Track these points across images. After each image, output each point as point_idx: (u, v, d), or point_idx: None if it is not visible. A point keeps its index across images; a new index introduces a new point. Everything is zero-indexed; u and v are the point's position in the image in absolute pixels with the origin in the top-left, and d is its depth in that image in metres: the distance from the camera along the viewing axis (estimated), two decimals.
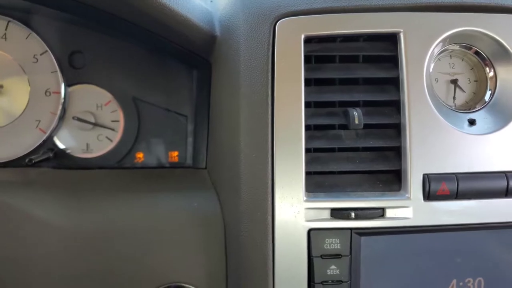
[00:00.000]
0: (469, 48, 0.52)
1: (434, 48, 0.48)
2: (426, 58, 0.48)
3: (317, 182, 0.48)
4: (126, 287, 0.49)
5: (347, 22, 0.48)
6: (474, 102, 0.52)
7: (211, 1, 0.59)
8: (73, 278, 0.48)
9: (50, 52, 0.57)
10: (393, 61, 0.49)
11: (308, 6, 0.48)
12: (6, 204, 0.48)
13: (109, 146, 0.60)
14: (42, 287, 0.48)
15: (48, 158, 0.56)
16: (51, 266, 0.48)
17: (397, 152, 0.48)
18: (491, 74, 0.52)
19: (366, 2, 0.48)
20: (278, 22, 0.47)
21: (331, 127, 0.49)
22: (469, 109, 0.51)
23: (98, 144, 0.60)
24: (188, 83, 0.61)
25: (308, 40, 0.48)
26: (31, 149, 0.57)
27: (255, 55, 0.48)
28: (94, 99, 0.59)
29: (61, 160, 0.59)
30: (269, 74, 0.47)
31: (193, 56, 0.55)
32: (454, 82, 0.52)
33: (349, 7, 0.48)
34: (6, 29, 0.57)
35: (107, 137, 0.60)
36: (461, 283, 0.49)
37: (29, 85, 0.58)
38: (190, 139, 0.62)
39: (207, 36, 0.51)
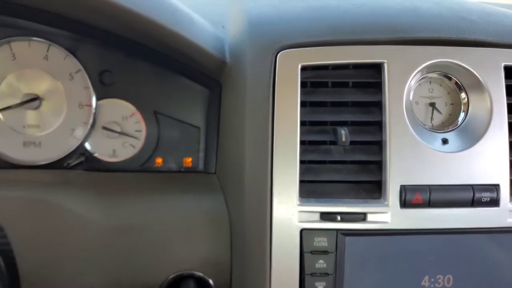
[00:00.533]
0: (447, 76, 0.57)
1: (413, 76, 0.54)
2: (406, 84, 0.53)
3: (310, 189, 0.53)
4: (147, 273, 0.55)
5: (338, 54, 0.53)
6: (449, 123, 0.57)
7: (223, 27, 0.66)
8: (104, 264, 0.54)
9: (83, 71, 0.63)
10: (378, 86, 0.54)
11: (305, 40, 0.53)
12: (48, 201, 0.54)
13: (133, 152, 0.66)
14: (78, 267, 0.54)
15: (81, 162, 0.63)
16: (85, 251, 0.54)
17: (378, 166, 0.53)
18: (465, 99, 0.57)
19: (355, 36, 0.54)
20: (279, 53, 0.53)
21: (323, 142, 0.54)
22: (444, 130, 0.56)
23: (123, 150, 0.66)
24: (201, 100, 0.66)
25: (304, 68, 0.53)
26: (66, 154, 0.64)
27: (259, 80, 0.54)
28: (120, 111, 0.65)
29: (91, 163, 0.65)
30: (270, 96, 0.53)
31: (206, 77, 0.61)
32: (432, 105, 0.57)
33: (340, 40, 0.53)
34: (47, 51, 0.63)
35: (131, 144, 0.66)
36: (432, 279, 0.54)
37: (66, 99, 0.64)
38: (202, 147, 0.67)
39: (218, 62, 0.57)
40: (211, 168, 0.66)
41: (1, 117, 0.64)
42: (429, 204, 0.53)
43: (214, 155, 0.66)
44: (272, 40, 0.54)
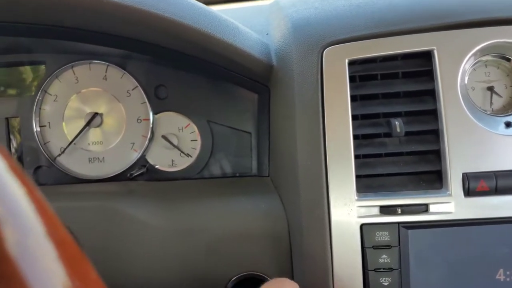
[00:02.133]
0: (504, 58, 0.55)
1: (466, 61, 0.52)
2: (459, 70, 0.52)
3: (367, 184, 0.53)
4: (208, 275, 0.56)
5: (385, 45, 0.53)
6: (511, 106, 0.55)
7: (267, 34, 0.68)
8: (166, 265, 0.56)
9: (139, 87, 0.67)
10: (429, 75, 0.53)
11: (350, 34, 0.54)
12: (114, 209, 0.58)
13: (190, 161, 0.68)
14: (144, 271, 0.56)
15: (142, 173, 0.67)
16: (150, 255, 0.56)
17: (437, 155, 0.52)
18: None
19: (400, 26, 0.53)
20: (325, 50, 0.54)
21: (377, 135, 0.54)
22: (506, 113, 0.54)
23: (181, 160, 0.69)
24: (251, 105, 0.68)
25: (351, 63, 0.53)
26: (128, 166, 0.68)
27: (306, 78, 0.54)
28: (176, 123, 0.68)
29: (152, 174, 0.68)
30: (319, 93, 0.53)
31: (254, 83, 0.63)
32: (490, 89, 0.56)
33: (386, 32, 0.53)
34: (106, 72, 0.68)
35: (187, 154, 0.69)
36: (508, 272, 0.51)
37: (125, 115, 0.68)
38: (254, 152, 0.69)
39: (266, 66, 0.59)
40: (264, 172, 0.67)
41: (69, 138, 0.69)
42: (496, 191, 0.50)
43: (266, 158, 0.66)
44: (317, 38, 0.55)
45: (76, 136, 0.68)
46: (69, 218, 0.57)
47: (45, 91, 0.69)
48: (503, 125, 0.54)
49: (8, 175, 0.18)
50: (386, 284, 0.52)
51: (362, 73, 0.55)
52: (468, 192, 0.51)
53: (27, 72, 0.71)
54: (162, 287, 0.58)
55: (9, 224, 0.16)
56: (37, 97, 0.68)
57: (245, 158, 0.69)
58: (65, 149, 0.69)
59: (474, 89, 0.56)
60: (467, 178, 0.51)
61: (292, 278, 0.56)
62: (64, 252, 0.18)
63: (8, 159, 0.18)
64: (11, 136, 0.70)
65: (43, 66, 0.69)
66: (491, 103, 0.56)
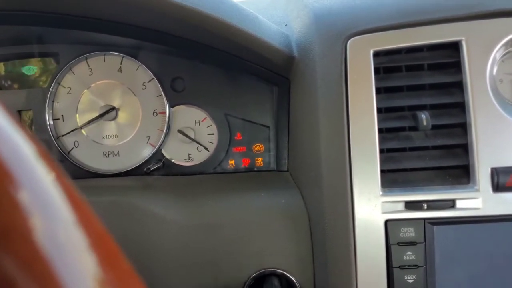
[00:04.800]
0: None
1: (496, 52, 0.51)
2: (488, 61, 0.50)
3: (392, 179, 0.51)
4: (227, 272, 0.55)
5: (411, 36, 0.51)
6: None
7: (286, 25, 0.66)
8: (185, 261, 0.55)
9: (155, 80, 0.66)
10: (457, 66, 0.51)
11: (375, 24, 0.52)
12: (132, 203, 0.56)
13: (207, 155, 0.67)
14: (162, 267, 0.55)
15: (159, 167, 0.66)
16: (168, 251, 0.55)
17: (464, 149, 0.51)
18: None
19: (427, 16, 0.51)
20: (349, 41, 0.52)
21: (402, 129, 0.52)
22: None
23: (198, 154, 0.68)
24: (269, 98, 0.67)
25: (376, 54, 0.52)
26: (144, 161, 0.67)
27: (330, 70, 0.53)
28: (193, 116, 0.67)
29: (168, 168, 0.67)
30: (343, 85, 0.52)
31: (274, 75, 0.61)
32: None
33: (412, 22, 0.52)
34: (121, 63, 0.67)
35: (205, 148, 0.68)
36: None
37: (140, 108, 0.67)
38: (272, 146, 0.67)
39: (286, 57, 0.57)
40: (283, 166, 0.66)
41: (83, 131, 0.68)
42: None
43: (285, 153, 0.65)
44: (341, 28, 0.53)
45: (86, 123, 0.67)
46: None
47: (59, 83, 0.68)
48: None
49: (37, 161, 0.17)
50: (411, 281, 0.51)
51: (387, 65, 0.53)
52: (497, 187, 0.49)
53: (39, 64, 0.69)
54: (180, 283, 0.56)
55: (38, 213, 0.15)
56: (50, 90, 0.67)
57: (263, 152, 0.68)
58: (70, 132, 0.67)
59: (502, 81, 0.54)
60: (496, 172, 0.49)
61: (313, 275, 0.55)
62: (96, 242, 0.17)
63: (37, 145, 0.17)
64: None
65: (56, 57, 0.68)
66: None
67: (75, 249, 0.16)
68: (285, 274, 0.56)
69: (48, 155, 0.18)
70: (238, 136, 0.68)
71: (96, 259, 0.17)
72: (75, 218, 0.17)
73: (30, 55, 0.69)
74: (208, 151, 0.68)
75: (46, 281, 0.15)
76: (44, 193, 0.16)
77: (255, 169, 0.68)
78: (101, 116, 0.66)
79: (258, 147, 0.68)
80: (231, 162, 0.68)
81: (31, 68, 0.69)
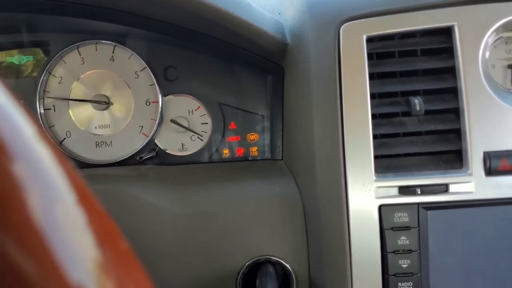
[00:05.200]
0: None
1: (488, 37, 0.51)
2: (480, 47, 0.51)
3: (385, 164, 0.52)
4: (222, 260, 0.55)
5: (404, 21, 0.52)
6: None
7: (279, 13, 0.66)
8: (179, 250, 0.55)
9: (148, 69, 0.65)
10: (449, 52, 0.52)
11: (368, 10, 0.52)
12: (125, 192, 0.56)
13: (201, 145, 0.67)
14: (157, 256, 0.55)
15: (152, 157, 0.65)
16: (163, 240, 0.55)
17: (457, 134, 0.51)
18: None
19: (420, 1, 0.52)
20: (342, 26, 0.52)
21: (395, 114, 0.52)
22: None
23: (192, 144, 0.67)
24: (263, 87, 0.67)
25: (369, 40, 0.52)
26: (137, 150, 0.66)
27: (323, 56, 0.53)
28: (186, 105, 0.67)
29: (162, 158, 0.67)
30: (337, 71, 0.52)
31: (268, 63, 0.61)
32: (511, 66, 0.55)
33: (405, 7, 0.52)
34: (113, 52, 0.66)
35: (198, 137, 0.67)
36: None
37: (133, 97, 0.66)
38: (267, 135, 0.67)
39: (280, 44, 0.57)
40: (277, 155, 0.66)
41: (75, 121, 0.67)
42: None
43: (280, 142, 0.66)
44: (334, 14, 0.53)
45: (77, 100, 0.66)
46: None
47: (50, 73, 0.67)
48: None
49: (37, 140, 0.16)
50: (405, 266, 0.51)
51: (380, 50, 0.53)
52: (490, 171, 0.50)
53: (30, 52, 0.68)
54: (174, 271, 0.56)
55: (36, 189, 0.15)
56: (41, 79, 0.66)
57: (258, 141, 0.68)
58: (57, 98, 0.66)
59: (494, 66, 0.55)
60: (488, 157, 0.50)
61: (308, 262, 0.56)
62: (94, 221, 0.17)
63: (39, 126, 0.17)
64: None
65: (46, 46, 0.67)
66: (511, 81, 0.54)
67: (72, 227, 0.16)
68: (280, 262, 0.56)
69: (47, 136, 0.18)
70: (232, 125, 0.68)
71: (94, 238, 0.17)
72: (75, 197, 0.17)
73: (20, 44, 0.68)
74: (202, 140, 0.67)
75: (41, 256, 0.15)
76: (44, 170, 0.16)
77: (250, 158, 0.68)
78: (90, 101, 0.66)
79: (253, 136, 0.68)
80: (226, 151, 0.68)
81: (21, 58, 0.68)
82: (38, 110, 0.66)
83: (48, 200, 0.16)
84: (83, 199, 0.17)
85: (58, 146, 0.67)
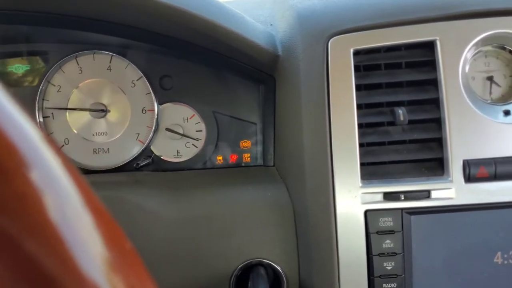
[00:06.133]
0: (503, 48, 0.57)
1: (468, 51, 0.53)
2: (461, 60, 0.53)
3: (371, 171, 0.54)
4: (215, 263, 0.57)
5: (389, 35, 0.54)
6: (509, 95, 0.56)
7: (271, 25, 0.69)
8: (173, 253, 0.57)
9: (144, 78, 0.67)
10: (432, 64, 0.54)
11: (355, 24, 0.54)
12: (122, 198, 0.58)
13: (195, 151, 0.69)
14: (152, 260, 0.56)
15: (148, 164, 0.67)
16: (158, 244, 0.57)
17: (439, 143, 0.53)
18: None
19: (404, 16, 0.54)
20: (330, 40, 0.54)
21: (381, 124, 0.55)
22: (505, 102, 0.56)
23: (186, 150, 0.69)
24: (256, 96, 0.69)
25: (356, 53, 0.54)
26: (133, 157, 0.68)
27: (312, 68, 0.55)
28: (181, 113, 0.69)
29: (158, 164, 0.69)
30: (325, 83, 0.54)
31: (260, 73, 0.63)
32: (490, 78, 0.57)
33: (390, 22, 0.54)
34: (110, 62, 0.68)
35: (193, 144, 0.69)
36: (505, 255, 0.53)
37: (130, 106, 0.68)
38: (259, 142, 0.70)
39: (271, 56, 0.60)
40: (269, 161, 0.68)
41: (73, 129, 0.69)
42: (495, 177, 0.52)
43: (272, 149, 0.68)
44: (323, 28, 0.56)
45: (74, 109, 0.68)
46: None
47: (48, 82, 0.69)
48: (502, 114, 0.55)
49: (44, 145, 0.18)
50: (389, 268, 0.53)
51: (367, 63, 0.56)
52: (469, 178, 0.52)
53: (29, 62, 0.70)
54: (168, 275, 0.58)
55: (48, 191, 0.16)
56: (40, 88, 0.68)
57: (250, 148, 0.70)
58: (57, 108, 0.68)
59: (474, 78, 0.57)
60: (467, 164, 0.52)
61: (298, 264, 0.58)
62: (100, 222, 0.18)
63: (43, 131, 0.18)
64: None
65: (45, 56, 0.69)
66: (490, 92, 0.57)
67: (82, 226, 0.17)
68: (271, 264, 0.58)
69: (53, 141, 0.19)
70: (226, 132, 0.70)
71: (102, 238, 0.18)
72: (82, 200, 0.18)
73: (19, 54, 0.70)
74: (197, 147, 0.69)
75: (61, 254, 0.16)
76: (54, 174, 0.17)
77: (243, 165, 0.70)
78: (88, 110, 0.68)
79: (246, 143, 0.70)
80: (219, 158, 0.70)
81: (20, 67, 0.70)
82: (37, 118, 0.68)
83: (61, 202, 0.17)
84: (89, 202, 0.18)
85: None
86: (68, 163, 0.19)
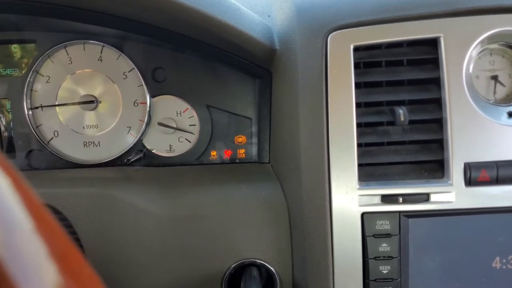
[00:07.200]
0: (509, 46, 0.55)
1: (473, 49, 0.51)
2: (465, 58, 0.51)
3: (369, 173, 0.52)
4: (208, 262, 0.56)
5: (391, 31, 0.52)
6: None
7: (269, 16, 0.66)
8: (165, 252, 0.56)
9: (136, 69, 0.65)
10: (434, 62, 0.52)
11: (356, 19, 0.52)
12: (112, 196, 0.56)
13: (189, 146, 0.67)
14: (143, 259, 0.56)
15: (140, 158, 0.65)
16: (149, 243, 0.56)
17: (439, 144, 0.52)
18: None
19: (407, 12, 0.52)
20: (330, 35, 0.52)
21: (380, 124, 0.53)
22: (509, 103, 0.54)
23: (179, 145, 0.67)
24: (251, 91, 0.67)
25: (356, 49, 0.52)
26: (124, 151, 0.66)
27: (310, 63, 0.53)
28: (174, 107, 0.67)
29: (149, 159, 0.67)
30: (323, 79, 0.52)
31: (256, 67, 0.61)
32: (494, 78, 0.55)
33: (392, 17, 0.52)
34: (101, 53, 0.66)
35: (186, 139, 0.67)
36: (504, 260, 0.52)
37: (121, 98, 0.66)
38: (254, 138, 0.68)
39: (268, 50, 0.57)
40: (264, 158, 0.66)
41: (63, 121, 0.67)
42: (497, 181, 0.51)
43: (267, 145, 0.66)
44: (322, 22, 0.53)
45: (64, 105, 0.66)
46: (64, 205, 0.56)
47: (37, 72, 0.66)
48: (505, 115, 0.53)
49: None
50: (385, 272, 0.52)
51: (367, 60, 0.54)
52: (469, 181, 0.51)
53: (16, 50, 0.68)
54: (160, 274, 0.57)
55: None
56: (28, 78, 0.66)
57: (245, 144, 0.68)
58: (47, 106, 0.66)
59: (478, 77, 0.55)
60: (468, 167, 0.51)
61: (292, 265, 0.57)
62: (54, 248, 0.17)
63: None
64: (2, 119, 0.68)
65: (33, 45, 0.67)
66: (494, 92, 0.55)
67: (33, 257, 0.16)
68: (264, 265, 0.57)
69: (4, 159, 0.17)
70: (220, 127, 0.68)
71: (56, 267, 0.17)
72: (33, 225, 0.17)
73: (7, 42, 0.67)
74: (190, 142, 0.67)
75: (3, 285, 0.15)
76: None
77: (237, 161, 0.68)
78: (78, 103, 0.65)
79: (240, 139, 0.68)
80: (213, 153, 0.68)
81: (7, 56, 0.68)
82: (25, 109, 0.66)
83: (7, 231, 0.15)
84: (43, 227, 0.17)
85: (46, 145, 0.67)
86: (20, 184, 0.17)
